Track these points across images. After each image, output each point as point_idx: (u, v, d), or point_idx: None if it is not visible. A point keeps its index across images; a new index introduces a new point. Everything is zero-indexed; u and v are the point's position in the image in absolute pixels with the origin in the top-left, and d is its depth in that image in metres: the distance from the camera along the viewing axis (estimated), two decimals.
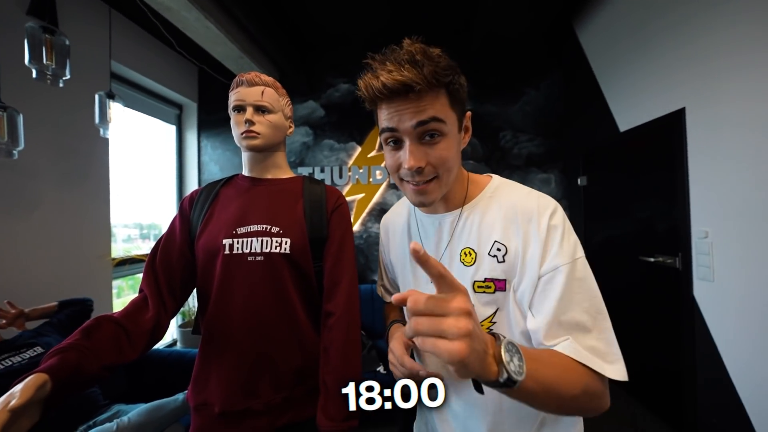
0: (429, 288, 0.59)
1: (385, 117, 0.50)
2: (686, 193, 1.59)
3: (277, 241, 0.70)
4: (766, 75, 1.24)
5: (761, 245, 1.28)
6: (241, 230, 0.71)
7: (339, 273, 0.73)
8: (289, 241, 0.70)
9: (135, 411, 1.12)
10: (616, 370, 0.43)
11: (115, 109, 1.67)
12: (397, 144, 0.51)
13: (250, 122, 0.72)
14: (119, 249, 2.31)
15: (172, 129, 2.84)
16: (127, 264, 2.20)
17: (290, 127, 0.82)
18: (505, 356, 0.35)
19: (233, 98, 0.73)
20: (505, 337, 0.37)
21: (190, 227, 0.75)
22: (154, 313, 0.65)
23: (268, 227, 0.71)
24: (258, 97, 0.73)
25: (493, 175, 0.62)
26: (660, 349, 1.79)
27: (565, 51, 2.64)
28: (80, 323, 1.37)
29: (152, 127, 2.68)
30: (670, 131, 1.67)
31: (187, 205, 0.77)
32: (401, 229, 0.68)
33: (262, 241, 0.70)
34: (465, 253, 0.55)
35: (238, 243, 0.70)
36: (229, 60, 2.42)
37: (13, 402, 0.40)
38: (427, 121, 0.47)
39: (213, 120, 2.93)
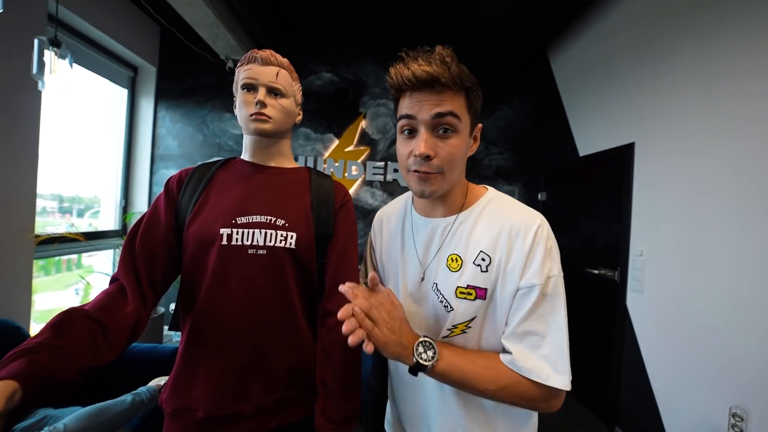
0: (417, 288, 0.62)
1: (406, 105, 0.53)
2: (629, 216, 1.83)
3: (282, 235, 0.66)
4: (701, 131, 1.47)
5: (682, 265, 1.53)
6: (242, 220, 0.65)
7: (343, 272, 0.71)
8: (294, 235, 0.66)
9: (72, 416, 0.96)
10: (562, 381, 0.49)
11: (60, 61, 1.41)
12: (412, 134, 0.55)
13: (262, 104, 0.66)
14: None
15: (123, 93, 2.48)
16: (55, 243, 1.88)
17: (299, 114, 0.77)
18: (418, 349, 0.49)
19: (244, 75, 0.67)
20: (425, 336, 0.51)
21: (177, 211, 0.67)
22: (134, 307, 0.57)
23: (273, 219, 0.66)
24: (272, 78, 0.67)
25: (488, 187, 0.65)
26: (595, 350, 2.05)
27: (537, 75, 2.87)
28: None
29: (98, 87, 2.32)
30: (621, 161, 1.91)
31: (174, 187, 0.69)
32: (395, 226, 0.69)
33: (265, 233, 0.65)
34: (452, 259, 0.57)
35: (237, 234, 0.64)
36: (202, 26, 2.19)
37: None
38: (444, 114, 0.51)
39: (175, 89, 2.62)
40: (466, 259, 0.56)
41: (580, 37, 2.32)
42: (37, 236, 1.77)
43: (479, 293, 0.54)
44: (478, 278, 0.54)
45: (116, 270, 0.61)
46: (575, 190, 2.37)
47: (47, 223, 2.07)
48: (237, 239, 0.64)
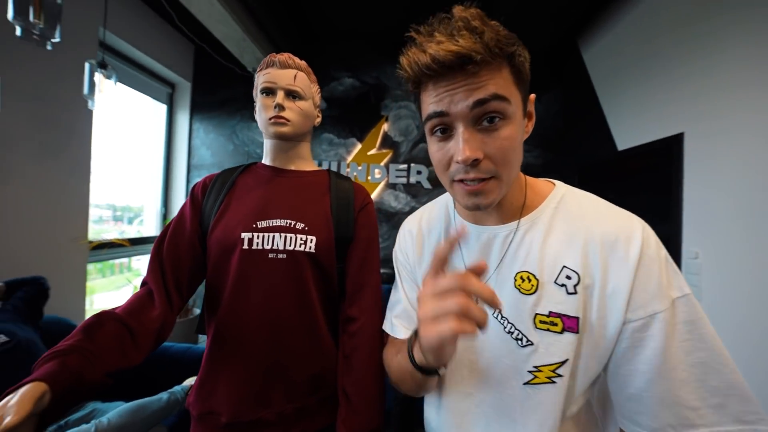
0: None
1: (432, 100, 0.40)
2: (679, 214, 1.65)
3: (302, 239, 0.65)
4: (763, 113, 1.29)
5: (748, 268, 1.34)
6: (262, 224, 0.65)
7: (364, 276, 0.69)
8: (314, 239, 0.65)
9: (115, 411, 1.03)
10: None
11: (106, 81, 1.54)
12: (446, 133, 0.41)
13: (281, 107, 0.66)
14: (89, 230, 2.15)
15: (162, 108, 2.67)
16: (105, 248, 2.04)
17: (318, 116, 0.77)
18: None
19: (262, 79, 0.68)
20: None
21: (202, 217, 0.69)
22: (161, 311, 0.58)
23: (293, 223, 0.66)
24: (290, 80, 0.67)
25: (555, 181, 0.51)
26: None
27: (568, 68, 2.70)
28: (37, 306, 1.26)
29: (141, 104, 2.52)
30: (668, 154, 1.73)
31: (199, 193, 0.71)
32: (436, 239, 0.56)
33: (285, 237, 0.65)
34: (522, 277, 0.44)
35: (258, 238, 0.64)
36: (231, 41, 2.30)
37: (8, 419, 0.34)
38: (487, 99, 0.37)
39: (208, 102, 2.78)
40: (543, 278, 0.43)
41: (615, 23, 2.15)
42: (90, 242, 1.93)
43: (568, 323, 0.40)
44: (566, 303, 0.41)
45: (146, 274, 0.63)
46: (614, 187, 2.19)
47: (103, 231, 2.28)
48: (258, 243, 0.64)
